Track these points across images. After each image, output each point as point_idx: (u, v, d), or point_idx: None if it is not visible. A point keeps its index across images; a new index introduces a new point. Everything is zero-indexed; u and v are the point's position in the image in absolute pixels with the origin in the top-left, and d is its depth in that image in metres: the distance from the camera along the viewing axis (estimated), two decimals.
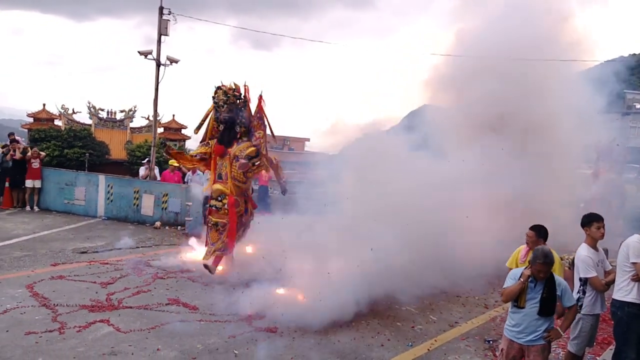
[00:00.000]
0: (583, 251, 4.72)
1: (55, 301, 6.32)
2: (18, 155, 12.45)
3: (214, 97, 7.66)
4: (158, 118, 18.54)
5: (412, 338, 5.96)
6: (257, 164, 7.70)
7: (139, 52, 15.89)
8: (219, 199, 7.68)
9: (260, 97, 7.89)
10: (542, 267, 3.96)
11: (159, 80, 15.81)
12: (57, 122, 27.36)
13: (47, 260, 8.18)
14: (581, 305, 4.67)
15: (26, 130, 26.03)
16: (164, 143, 8.35)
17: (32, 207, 12.53)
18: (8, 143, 13.04)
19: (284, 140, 51.86)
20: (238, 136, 7.85)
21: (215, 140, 7.87)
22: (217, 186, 7.71)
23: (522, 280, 4.03)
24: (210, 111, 7.90)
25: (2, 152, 12.66)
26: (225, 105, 7.56)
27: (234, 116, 7.69)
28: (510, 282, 4.15)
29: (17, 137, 13.63)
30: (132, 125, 30.26)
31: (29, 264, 7.90)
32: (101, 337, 5.44)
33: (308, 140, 51.73)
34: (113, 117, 30.72)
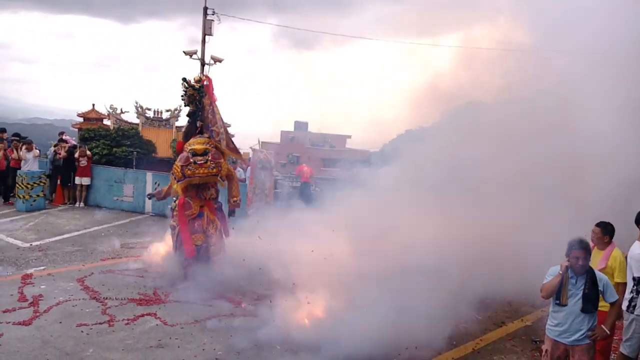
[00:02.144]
0: (637, 249, 4.51)
1: (104, 294, 6.52)
2: (63, 154, 12.97)
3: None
4: None
5: (456, 337, 5.83)
6: (199, 162, 6.88)
7: (184, 52, 16.21)
8: (174, 199, 7.32)
9: (209, 85, 7.30)
10: (579, 253, 3.84)
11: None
12: (106, 122, 28.34)
13: (97, 254, 8.45)
14: (634, 306, 4.46)
15: (76, 129, 27.08)
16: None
17: (80, 204, 12.99)
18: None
19: (325, 138, 52.02)
20: (197, 131, 7.41)
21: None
22: (175, 186, 7.18)
23: (560, 272, 3.90)
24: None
25: (54, 151, 13.18)
26: (186, 98, 7.24)
27: (195, 110, 7.33)
28: (550, 278, 4.02)
29: (65, 137, 14.17)
30: (177, 124, 31.04)
31: (80, 259, 8.19)
32: (148, 329, 5.58)
33: (349, 137, 51.70)
34: (159, 116, 31.59)
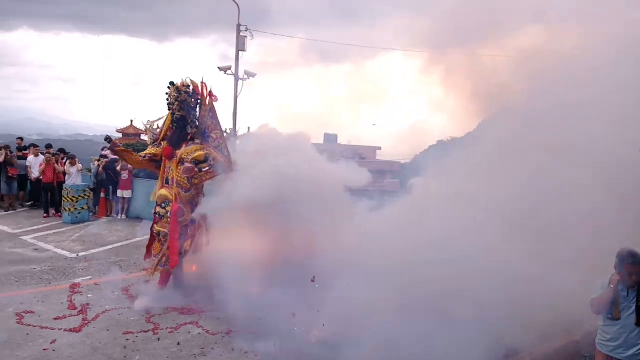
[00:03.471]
0: None
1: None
2: (101, 169, 13.49)
3: (166, 94, 7.07)
4: (236, 130, 19.30)
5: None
6: (204, 170, 6.94)
7: (219, 68, 16.57)
8: (163, 205, 7.02)
9: (210, 93, 7.17)
10: (633, 269, 3.68)
11: (238, 94, 16.39)
12: (143, 137, 29.12)
13: (139, 265, 8.71)
14: None
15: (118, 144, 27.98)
16: (109, 138, 7.11)
17: (121, 216, 13.40)
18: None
19: (355, 150, 51.93)
20: (189, 137, 7.17)
21: (166, 141, 7.27)
22: (163, 192, 7.04)
23: (612, 286, 3.79)
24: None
25: (98, 166, 13.67)
26: (177, 103, 6.95)
27: (185, 115, 7.07)
28: (599, 292, 3.91)
29: (105, 152, 14.67)
30: None
31: (124, 269, 8.47)
32: (191, 338, 5.74)
33: (379, 149, 51.47)
34: None
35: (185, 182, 6.91)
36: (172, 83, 7.01)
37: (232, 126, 18.54)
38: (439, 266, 5.21)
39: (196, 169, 6.87)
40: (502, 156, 6.22)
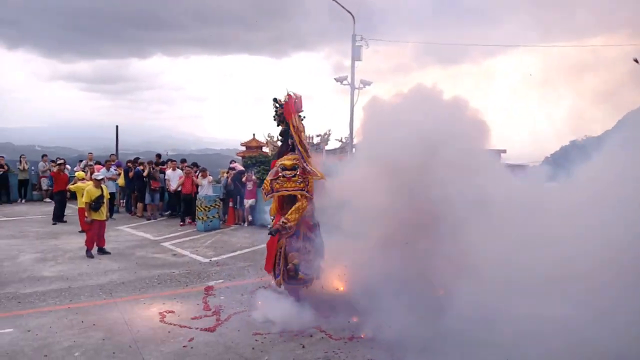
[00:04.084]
0: None
1: None
2: (229, 181, 14.45)
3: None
4: (353, 139, 19.57)
5: None
6: (287, 176, 6.75)
7: (335, 79, 16.88)
8: (272, 218, 7.20)
9: (290, 100, 7.01)
10: None
11: (354, 103, 16.57)
12: (265, 149, 30.63)
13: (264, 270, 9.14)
14: None
15: (240, 157, 29.73)
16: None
17: (246, 224, 14.21)
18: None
19: None
20: (289, 149, 7.19)
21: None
22: (273, 204, 7.20)
23: None
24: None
25: (227, 177, 14.68)
26: (277, 117, 7.17)
27: (286, 128, 7.15)
28: None
29: (233, 165, 15.65)
30: (327, 147, 32.36)
31: (252, 273, 8.95)
32: (315, 342, 5.88)
33: (504, 151, 48.99)
34: (311, 141, 33.27)
35: (267, 184, 6.87)
36: (275, 99, 7.20)
37: (346, 135, 18.82)
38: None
39: (280, 174, 6.81)
40: None
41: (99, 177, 10.38)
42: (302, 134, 7.21)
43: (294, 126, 7.03)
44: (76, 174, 13.45)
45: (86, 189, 10.15)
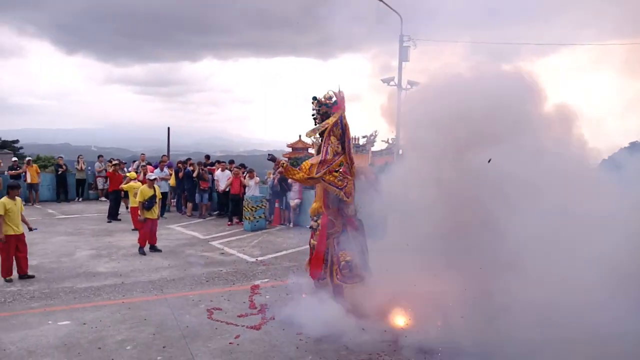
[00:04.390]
0: None
1: None
2: (276, 182, 14.62)
3: (312, 109, 7.13)
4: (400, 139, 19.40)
5: None
6: (339, 170, 6.69)
7: (382, 80, 16.76)
8: (315, 218, 7.08)
9: (341, 101, 6.96)
10: None
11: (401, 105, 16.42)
12: (310, 150, 30.88)
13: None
14: None
15: (287, 158, 30.09)
16: (272, 157, 7.03)
17: (291, 224, 14.34)
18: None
19: None
20: None
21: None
22: (314, 204, 7.11)
23: None
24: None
25: (273, 178, 14.87)
26: (319, 116, 7.03)
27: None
28: None
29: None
30: (372, 149, 32.23)
31: (297, 274, 8.99)
32: (360, 343, 5.83)
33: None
34: (356, 142, 33.24)
35: (307, 168, 6.85)
36: (314, 98, 7.15)
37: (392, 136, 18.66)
38: None
39: (326, 165, 6.73)
40: None
41: (152, 178, 10.74)
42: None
43: (344, 125, 6.98)
44: (128, 174, 14.05)
45: (140, 189, 10.54)
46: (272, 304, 7.21)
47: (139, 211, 10.57)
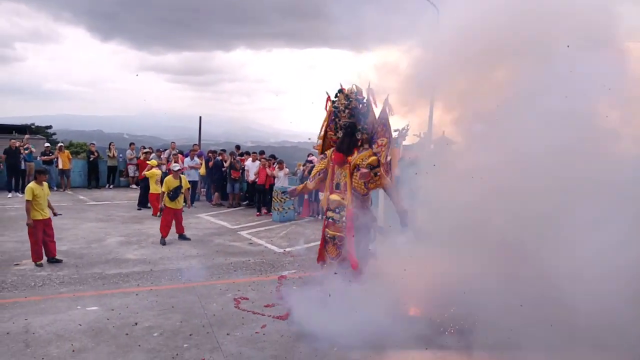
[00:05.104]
0: None
1: None
2: (305, 173, 14.53)
3: (334, 102, 7.08)
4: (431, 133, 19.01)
5: None
6: (379, 174, 6.75)
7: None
8: (337, 210, 6.99)
9: (386, 101, 6.92)
10: None
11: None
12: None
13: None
14: None
15: (317, 150, 29.96)
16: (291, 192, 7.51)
17: (321, 216, 14.24)
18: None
19: None
20: (359, 144, 7.01)
21: (332, 149, 7.21)
22: (335, 197, 7.01)
23: None
24: (326, 121, 7.29)
25: (303, 170, 14.76)
26: (347, 110, 6.92)
27: (355, 122, 6.95)
28: None
29: (311, 157, 15.71)
30: (404, 143, 31.79)
31: (323, 266, 8.87)
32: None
33: None
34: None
35: (362, 187, 6.87)
36: (340, 90, 7.08)
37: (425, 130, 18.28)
38: None
39: (372, 174, 6.78)
40: None
41: (176, 169, 10.65)
42: None
43: (384, 121, 6.95)
44: (149, 161, 14.27)
45: (165, 180, 10.54)
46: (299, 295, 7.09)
47: (161, 200, 10.52)
